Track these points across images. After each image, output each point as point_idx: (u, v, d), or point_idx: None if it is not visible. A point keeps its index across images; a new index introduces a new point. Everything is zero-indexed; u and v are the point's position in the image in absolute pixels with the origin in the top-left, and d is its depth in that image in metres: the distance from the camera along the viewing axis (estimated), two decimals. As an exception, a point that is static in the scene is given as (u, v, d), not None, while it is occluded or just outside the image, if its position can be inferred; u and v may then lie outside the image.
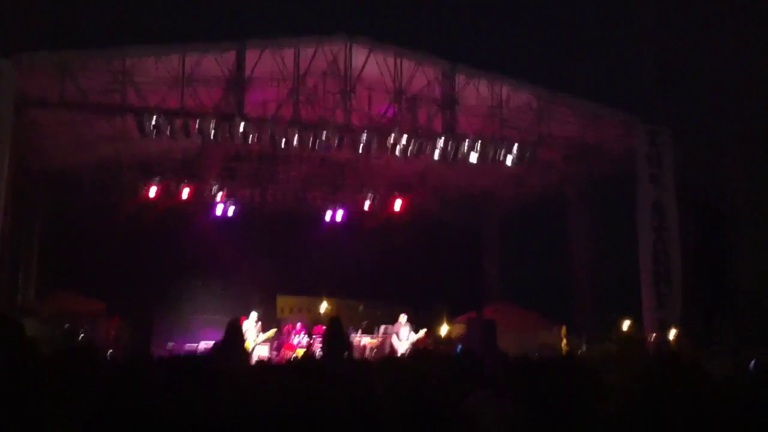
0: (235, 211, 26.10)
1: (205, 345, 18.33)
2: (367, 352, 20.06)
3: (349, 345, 13.76)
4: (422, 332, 19.88)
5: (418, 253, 27.16)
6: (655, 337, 19.10)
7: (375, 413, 3.86)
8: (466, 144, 20.12)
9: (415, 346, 18.48)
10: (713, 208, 21.81)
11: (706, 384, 3.74)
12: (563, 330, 23.57)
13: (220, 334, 10.53)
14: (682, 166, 20.43)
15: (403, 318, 19.51)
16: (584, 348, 20.97)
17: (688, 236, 20.40)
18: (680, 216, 20.28)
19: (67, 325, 19.67)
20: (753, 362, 7.27)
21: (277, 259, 26.60)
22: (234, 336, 10.51)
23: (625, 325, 23.22)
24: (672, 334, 19.20)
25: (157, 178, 24.09)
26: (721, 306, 20.80)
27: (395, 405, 3.63)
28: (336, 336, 13.09)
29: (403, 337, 19.20)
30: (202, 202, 25.73)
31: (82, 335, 19.41)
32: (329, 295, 25.90)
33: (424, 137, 20.15)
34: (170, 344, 20.24)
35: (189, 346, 20.45)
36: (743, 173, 20.61)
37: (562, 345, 22.50)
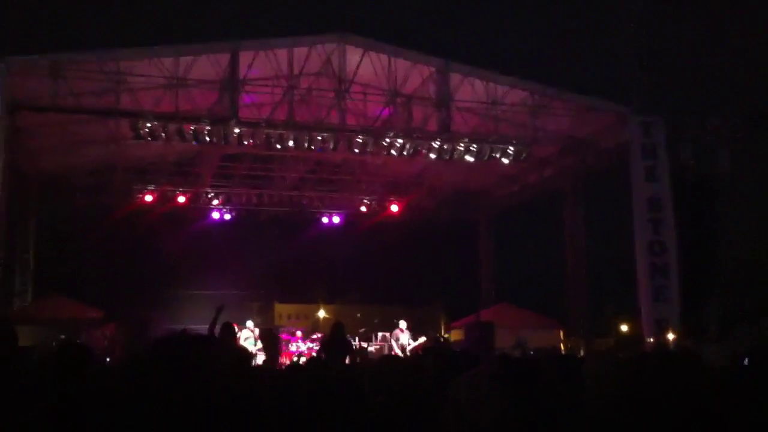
0: (231, 217, 25.98)
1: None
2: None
3: (351, 350, 13.74)
4: (422, 339, 19.72)
5: (415, 254, 27.09)
6: (654, 340, 18.97)
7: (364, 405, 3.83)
8: (462, 144, 20.03)
9: (415, 351, 18.31)
10: (704, 192, 21.84)
11: (701, 377, 3.66)
12: (562, 333, 23.56)
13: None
14: (673, 153, 20.41)
15: (403, 324, 19.33)
16: (582, 352, 20.87)
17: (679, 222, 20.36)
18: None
19: (63, 336, 19.53)
20: (746, 358, 7.35)
21: (274, 265, 26.50)
22: (228, 337, 10.46)
23: (624, 327, 23.22)
24: (671, 335, 19.09)
25: (152, 186, 23.97)
26: (713, 287, 20.86)
27: (384, 392, 3.60)
28: (337, 340, 13.12)
29: (404, 343, 19.02)
30: (199, 208, 25.63)
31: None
32: (326, 302, 25.83)
33: (419, 138, 20.06)
34: None
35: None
36: (734, 157, 20.65)
37: (561, 346, 22.49)
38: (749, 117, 19.97)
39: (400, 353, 18.78)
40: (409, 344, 18.89)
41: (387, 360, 6.16)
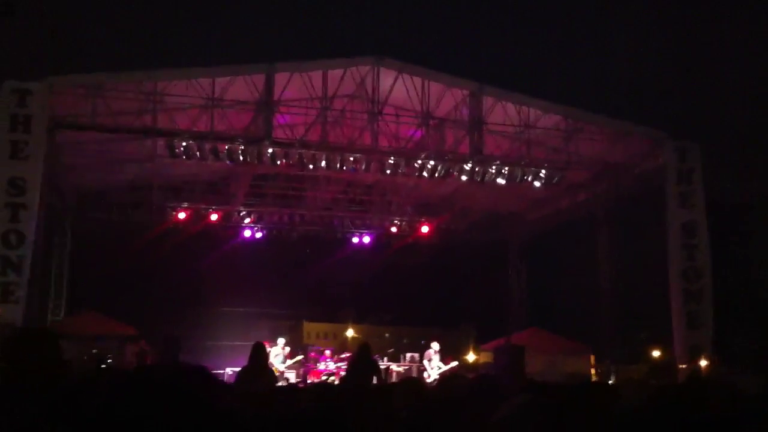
0: (262, 235, 26.16)
1: (231, 371, 18.28)
2: (394, 378, 19.89)
3: (378, 371, 13.69)
4: (454, 364, 19.57)
5: (445, 275, 27.03)
6: (687, 366, 18.67)
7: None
8: (494, 167, 20.01)
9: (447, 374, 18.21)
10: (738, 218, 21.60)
11: (735, 405, 3.62)
12: (592, 358, 23.28)
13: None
14: (710, 180, 20.14)
15: (435, 345, 19.29)
16: (613, 378, 20.60)
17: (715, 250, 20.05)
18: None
19: (95, 350, 19.75)
20: None
21: (304, 284, 26.60)
22: (258, 358, 10.49)
23: (656, 352, 22.90)
24: (704, 362, 18.78)
25: (185, 204, 24.26)
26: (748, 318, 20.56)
27: (417, 425, 3.60)
28: (364, 361, 13.09)
29: (434, 365, 18.96)
30: (231, 226, 25.86)
31: (109, 359, 19.45)
32: (355, 321, 25.84)
33: (451, 160, 20.09)
34: None
35: (215, 372, 20.37)
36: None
37: (592, 373, 22.23)
38: None
39: (431, 374, 18.71)
40: (439, 367, 18.83)
41: (414, 382, 6.18)
